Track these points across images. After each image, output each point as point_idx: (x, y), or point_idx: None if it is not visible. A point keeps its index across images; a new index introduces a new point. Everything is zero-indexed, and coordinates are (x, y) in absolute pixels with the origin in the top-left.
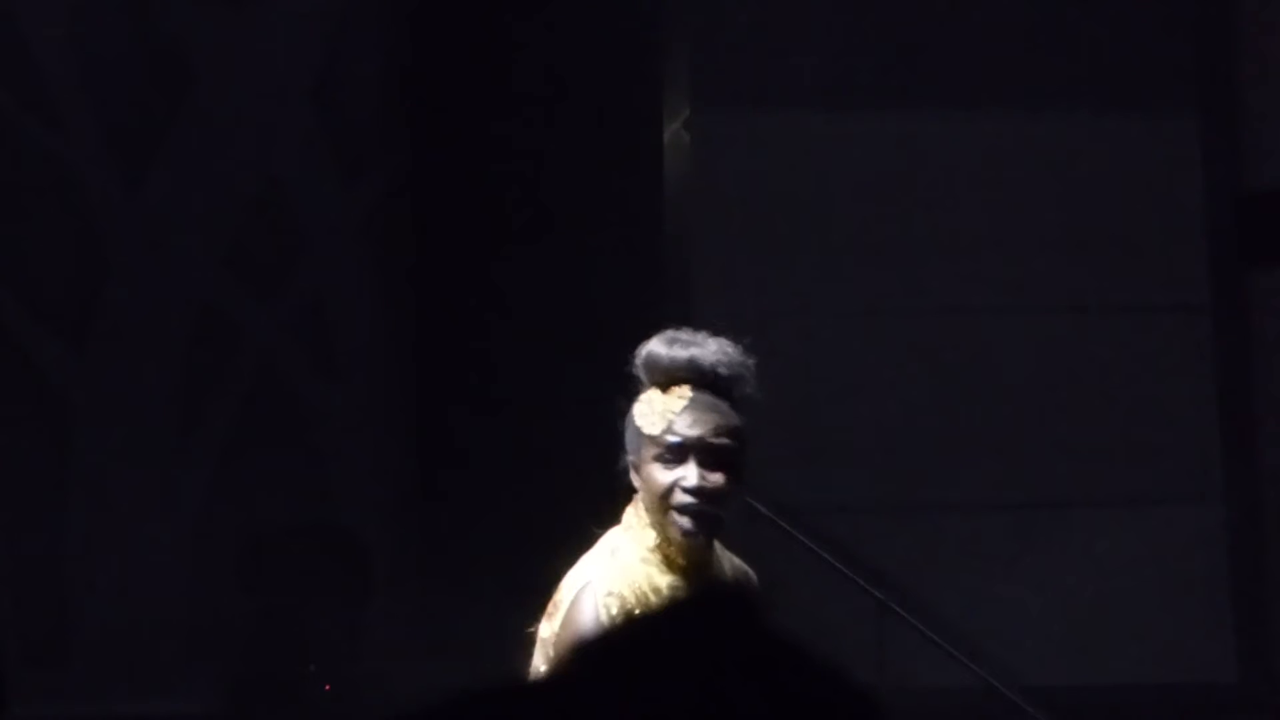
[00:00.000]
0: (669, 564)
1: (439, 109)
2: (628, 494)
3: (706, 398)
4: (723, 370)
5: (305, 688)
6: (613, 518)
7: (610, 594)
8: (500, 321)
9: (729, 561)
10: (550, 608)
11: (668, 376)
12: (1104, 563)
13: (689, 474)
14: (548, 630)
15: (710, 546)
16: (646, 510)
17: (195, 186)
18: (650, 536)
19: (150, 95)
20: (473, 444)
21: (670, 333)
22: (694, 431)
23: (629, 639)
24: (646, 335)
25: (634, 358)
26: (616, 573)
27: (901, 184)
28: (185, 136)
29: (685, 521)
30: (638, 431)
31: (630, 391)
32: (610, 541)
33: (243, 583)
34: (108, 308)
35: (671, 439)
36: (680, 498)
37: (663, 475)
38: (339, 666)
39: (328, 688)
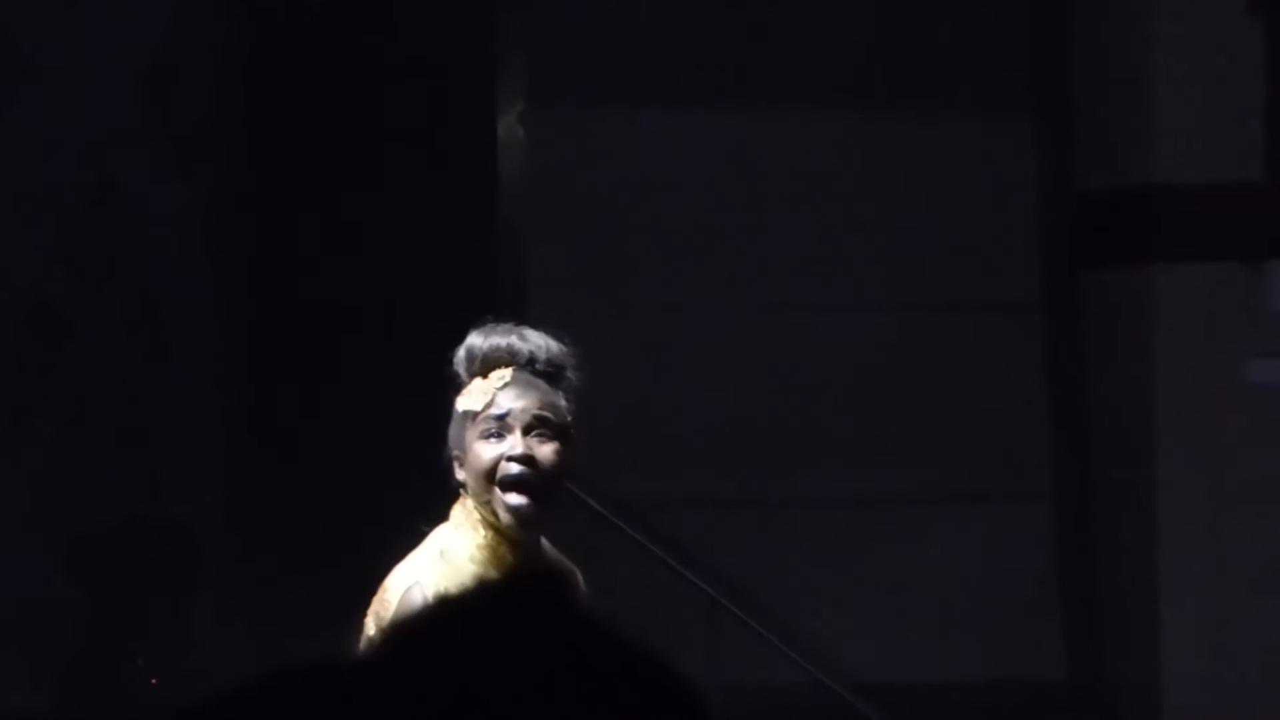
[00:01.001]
0: (498, 562)
1: (274, 101)
2: (455, 493)
3: (526, 375)
4: (541, 354)
5: (135, 682)
6: (443, 516)
7: (438, 593)
8: (335, 318)
9: (557, 561)
10: (376, 605)
11: (487, 364)
12: (935, 560)
13: (515, 443)
14: (374, 628)
15: (539, 542)
16: (473, 498)
17: (26, 178)
18: (480, 535)
19: None
20: (308, 440)
21: (487, 325)
22: (518, 403)
23: (442, 620)
24: (478, 307)
25: (452, 357)
26: (444, 572)
27: (738, 182)
28: (15, 128)
29: (514, 497)
30: (460, 418)
31: (453, 393)
32: (438, 540)
33: (72, 576)
34: None
35: (495, 411)
36: (507, 468)
37: (488, 450)
38: (169, 661)
39: (154, 681)
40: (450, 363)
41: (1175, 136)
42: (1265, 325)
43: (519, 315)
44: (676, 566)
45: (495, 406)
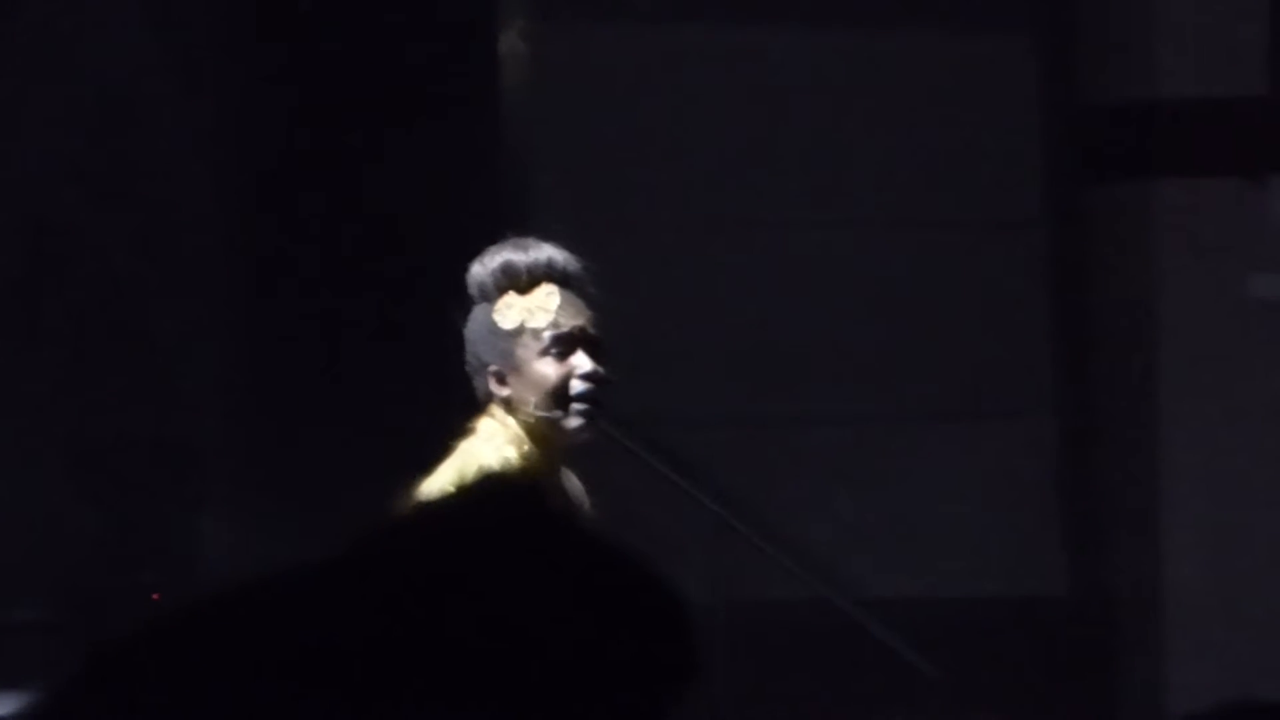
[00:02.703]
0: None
1: (275, 20)
2: (465, 406)
3: (570, 293)
4: (572, 269)
5: (138, 597)
6: (453, 428)
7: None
8: (341, 235)
9: (571, 478)
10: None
11: (527, 279)
12: (936, 476)
13: (583, 362)
14: None
15: (563, 459)
16: (525, 414)
17: (33, 96)
18: (512, 449)
19: None
20: (313, 358)
21: (511, 241)
22: (577, 320)
23: (418, 520)
24: (486, 248)
25: (475, 270)
26: None
27: (738, 98)
28: (21, 44)
29: (582, 415)
30: (510, 333)
31: (460, 308)
32: (467, 453)
33: (79, 493)
34: None
35: (560, 330)
36: (579, 386)
37: (556, 368)
38: (173, 575)
39: (156, 597)
40: (464, 278)
41: (1178, 49)
42: (1268, 240)
43: (525, 232)
44: (681, 483)
45: (557, 325)
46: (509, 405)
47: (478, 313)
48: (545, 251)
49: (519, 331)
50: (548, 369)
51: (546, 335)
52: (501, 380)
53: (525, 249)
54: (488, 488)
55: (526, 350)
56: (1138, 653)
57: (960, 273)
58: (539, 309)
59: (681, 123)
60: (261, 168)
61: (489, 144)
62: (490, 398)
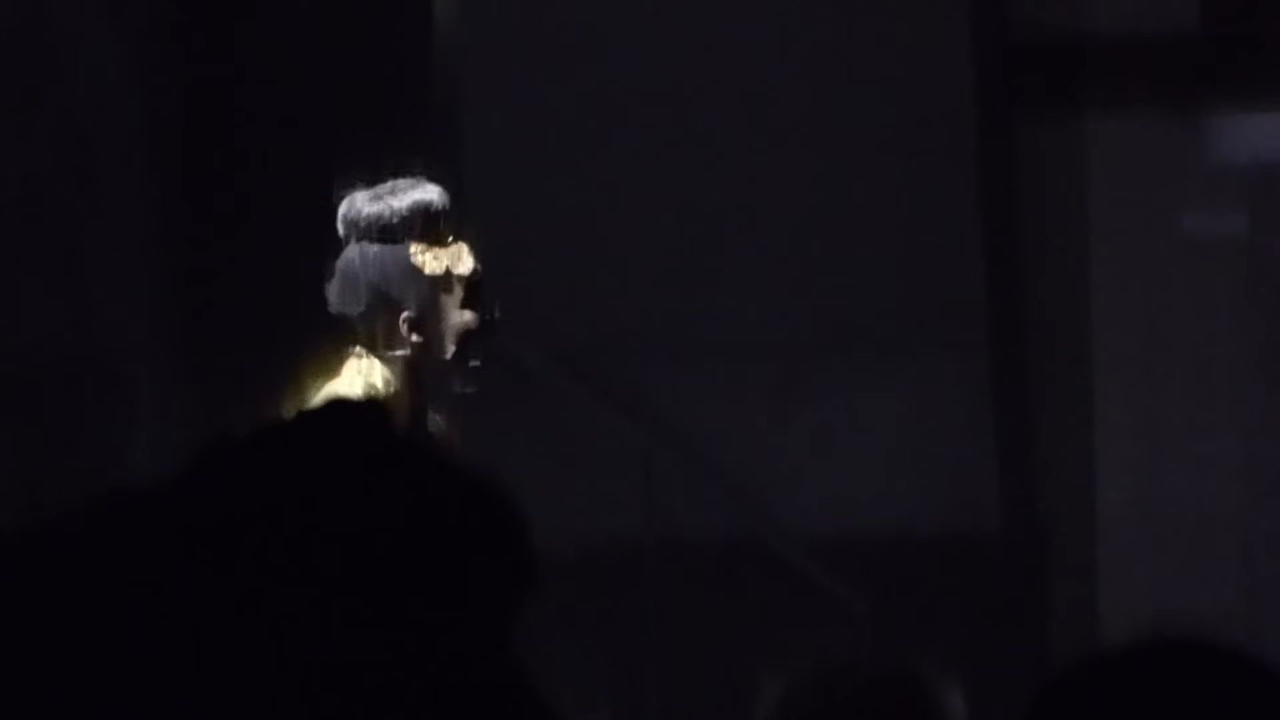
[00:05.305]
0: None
1: None
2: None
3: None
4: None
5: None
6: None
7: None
8: (267, 137)
9: (437, 422)
10: None
11: (443, 224)
12: (868, 411)
13: (487, 310)
14: None
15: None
16: (442, 359)
17: None
18: (377, 391)
19: None
20: (241, 277)
21: (390, 182)
22: (478, 266)
23: (256, 439)
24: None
25: (374, 209)
26: None
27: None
28: None
29: (479, 365)
30: (434, 279)
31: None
32: (329, 393)
33: (2, 418)
34: None
35: (479, 278)
36: (486, 338)
37: (474, 317)
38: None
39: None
40: (349, 215)
41: None
42: (1200, 178)
43: (457, 140)
44: (612, 412)
45: (477, 272)
46: (418, 350)
47: (384, 253)
48: (443, 195)
49: (445, 278)
50: (467, 317)
51: (461, 283)
52: (416, 327)
53: (424, 190)
54: (329, 408)
55: (449, 298)
56: (1070, 584)
57: (892, 201)
58: (459, 256)
59: (601, 47)
60: (188, 77)
61: (421, 44)
62: (391, 343)
